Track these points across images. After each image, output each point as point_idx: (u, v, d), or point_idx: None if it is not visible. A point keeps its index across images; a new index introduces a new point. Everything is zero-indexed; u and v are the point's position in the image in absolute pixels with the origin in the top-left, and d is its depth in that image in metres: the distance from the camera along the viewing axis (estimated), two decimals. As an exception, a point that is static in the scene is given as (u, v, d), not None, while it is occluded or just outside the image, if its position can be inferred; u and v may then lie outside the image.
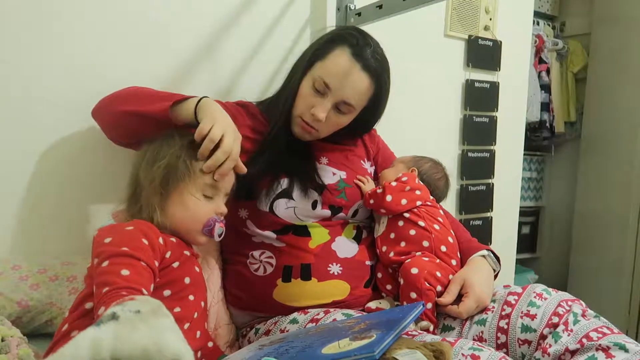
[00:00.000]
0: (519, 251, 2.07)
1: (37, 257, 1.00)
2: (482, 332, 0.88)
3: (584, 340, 0.77)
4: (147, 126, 0.90)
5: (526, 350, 0.83)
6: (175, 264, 0.81)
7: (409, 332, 0.78)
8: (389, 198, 1.01)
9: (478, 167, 1.81)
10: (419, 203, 1.03)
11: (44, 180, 1.04)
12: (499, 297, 0.93)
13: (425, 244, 0.99)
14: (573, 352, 0.77)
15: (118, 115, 0.93)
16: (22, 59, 1.00)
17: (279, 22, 1.31)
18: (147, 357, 0.43)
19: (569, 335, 0.79)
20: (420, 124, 1.64)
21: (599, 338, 0.76)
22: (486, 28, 1.75)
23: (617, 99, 2.63)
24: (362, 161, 1.14)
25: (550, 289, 0.91)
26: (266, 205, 0.98)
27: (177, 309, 0.79)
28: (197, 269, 0.88)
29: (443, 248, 1.00)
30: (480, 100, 1.78)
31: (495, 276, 1.03)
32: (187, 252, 0.86)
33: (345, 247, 1.03)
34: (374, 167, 1.19)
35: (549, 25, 2.96)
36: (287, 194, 0.99)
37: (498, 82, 1.81)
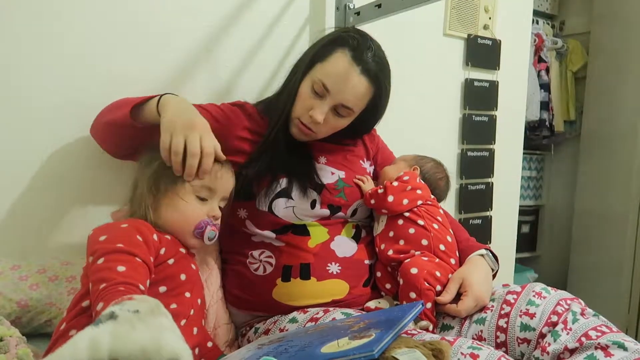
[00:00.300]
0: (518, 250, 2.07)
1: (36, 257, 1.00)
2: (481, 331, 0.88)
3: (583, 338, 0.77)
4: (124, 135, 0.93)
5: (525, 349, 0.83)
6: (171, 261, 0.82)
7: (408, 332, 0.78)
8: (390, 198, 1.01)
9: (477, 166, 1.81)
10: (419, 202, 1.04)
11: (44, 180, 1.04)
12: (498, 296, 0.93)
13: (424, 242, 0.99)
14: (572, 351, 0.77)
15: (100, 128, 0.98)
16: (22, 60, 1.00)
17: (279, 22, 1.31)
18: (145, 356, 0.43)
19: (568, 334, 0.79)
20: (419, 123, 1.64)
21: (598, 337, 0.76)
22: (485, 27, 1.75)
23: (616, 97, 2.63)
24: (361, 161, 1.14)
25: (549, 288, 0.91)
26: (265, 205, 0.98)
27: (174, 305, 0.79)
28: (193, 266, 0.89)
29: (442, 247, 1.00)
30: (479, 99, 1.78)
31: (494, 275, 1.03)
32: (182, 250, 0.87)
33: (344, 246, 1.03)
34: (373, 166, 1.18)
35: (548, 24, 2.96)
36: (286, 194, 0.99)
37: (497, 81, 1.81)
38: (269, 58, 1.31)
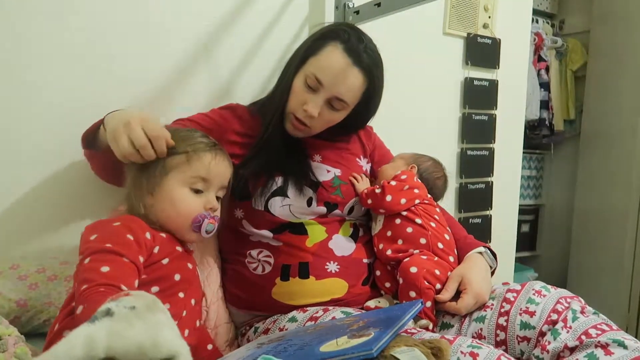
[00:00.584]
0: (518, 249, 2.06)
1: (35, 256, 1.00)
2: (481, 329, 0.88)
3: (583, 337, 0.76)
4: (106, 163, 0.94)
5: (525, 347, 0.83)
6: (165, 260, 0.80)
7: (408, 330, 0.77)
8: (389, 198, 1.01)
9: (477, 165, 1.81)
10: (417, 202, 1.03)
11: (43, 180, 1.04)
12: (498, 294, 0.93)
13: (422, 241, 0.99)
14: (572, 349, 0.76)
15: (89, 161, 1.01)
16: (22, 60, 1.00)
17: (278, 21, 1.31)
18: (142, 353, 0.42)
19: (568, 332, 0.78)
20: (419, 122, 1.64)
21: (598, 335, 0.76)
22: (485, 26, 1.75)
23: (616, 96, 2.63)
24: (357, 159, 1.14)
25: (549, 286, 0.90)
26: (261, 204, 0.98)
27: (167, 306, 0.78)
28: (189, 265, 0.87)
29: (440, 245, 1.00)
30: (479, 98, 1.77)
31: (492, 273, 1.03)
32: (179, 249, 0.85)
33: (342, 245, 1.03)
34: (370, 164, 1.18)
35: (548, 23, 2.95)
36: (281, 192, 0.99)
37: (497, 80, 1.81)
38: (269, 58, 1.30)
